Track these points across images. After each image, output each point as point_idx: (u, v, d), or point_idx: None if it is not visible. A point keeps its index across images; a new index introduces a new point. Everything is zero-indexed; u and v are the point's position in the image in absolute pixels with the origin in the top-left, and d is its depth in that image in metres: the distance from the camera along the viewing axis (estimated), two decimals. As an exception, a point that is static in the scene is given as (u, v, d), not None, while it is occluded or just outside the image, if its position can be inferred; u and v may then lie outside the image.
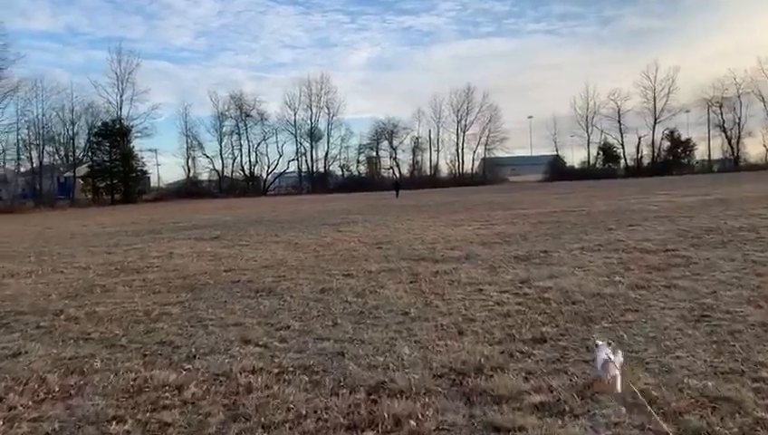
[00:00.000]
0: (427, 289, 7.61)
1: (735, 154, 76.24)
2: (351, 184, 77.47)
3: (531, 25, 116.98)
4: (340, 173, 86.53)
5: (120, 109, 66.98)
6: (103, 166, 66.28)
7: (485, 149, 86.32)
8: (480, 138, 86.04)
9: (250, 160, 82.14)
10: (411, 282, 8.28)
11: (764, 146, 76.45)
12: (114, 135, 65.64)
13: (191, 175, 78.83)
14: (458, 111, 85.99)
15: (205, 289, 8.55)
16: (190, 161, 78.63)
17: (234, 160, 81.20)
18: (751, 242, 10.06)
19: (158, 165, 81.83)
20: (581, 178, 71.81)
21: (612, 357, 3.82)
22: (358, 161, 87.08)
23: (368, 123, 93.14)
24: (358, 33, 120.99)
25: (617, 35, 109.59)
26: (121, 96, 66.64)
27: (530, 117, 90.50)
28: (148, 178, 75.25)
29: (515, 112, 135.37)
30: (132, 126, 67.88)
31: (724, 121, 76.56)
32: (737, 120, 75.96)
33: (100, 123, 67.18)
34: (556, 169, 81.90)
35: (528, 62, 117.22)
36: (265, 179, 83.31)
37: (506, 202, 28.85)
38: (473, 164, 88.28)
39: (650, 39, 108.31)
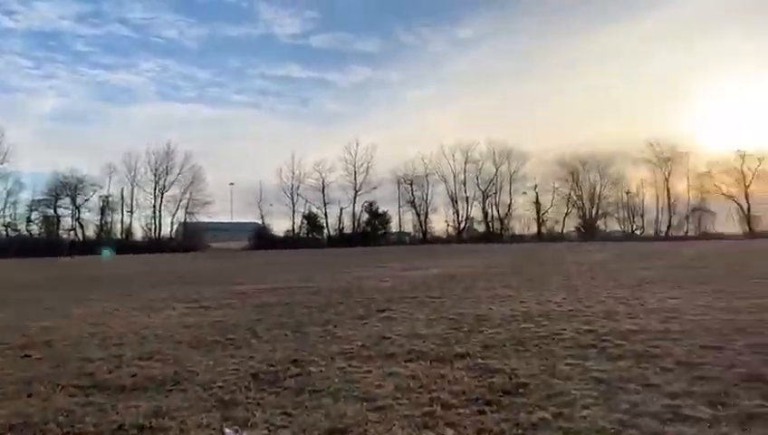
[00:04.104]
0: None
1: (424, 228, 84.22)
2: (19, 246, 63.74)
3: (234, 96, 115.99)
4: (4, 233, 71.23)
5: None
6: None
7: (186, 212, 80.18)
8: (180, 200, 79.76)
9: None
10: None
11: (446, 222, 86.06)
12: None
13: None
14: (157, 170, 78.57)
15: None
16: None
17: None
18: (558, 342, 7.96)
19: None
20: (286, 247, 70.91)
21: None
22: (29, 220, 72.95)
23: (49, 178, 78.43)
24: (43, 81, 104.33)
25: (317, 114, 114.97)
26: None
27: (231, 183, 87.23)
28: None
29: (219, 179, 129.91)
30: None
31: (414, 198, 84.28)
32: (425, 198, 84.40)
33: None
34: (261, 237, 79.76)
35: (233, 130, 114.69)
36: None
37: (216, 273, 24.76)
38: (171, 228, 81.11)
39: (347, 120, 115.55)
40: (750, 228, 70.80)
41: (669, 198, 76.38)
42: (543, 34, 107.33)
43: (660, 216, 77.13)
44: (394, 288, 15.81)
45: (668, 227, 75.98)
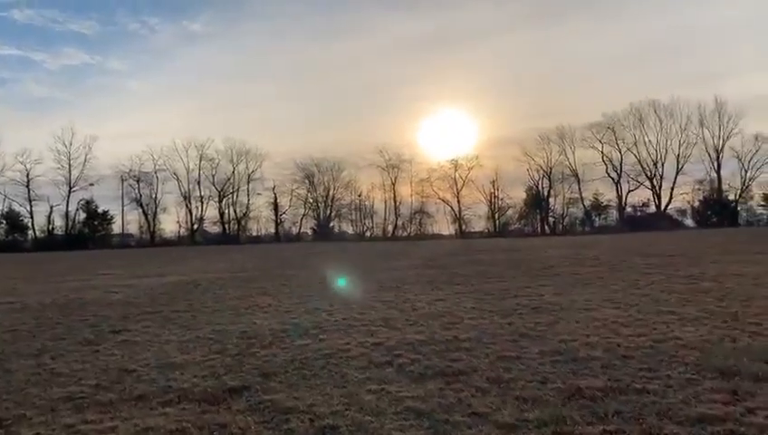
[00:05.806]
0: None
1: (152, 229, 77.19)
2: None
3: None
4: None
5: None
6: None
7: None
8: None
9: None
10: None
11: (178, 222, 79.98)
12: None
13: None
14: None
15: None
16: None
17: None
18: (348, 362, 6.84)
19: None
20: (-22, 251, 59.31)
21: None
22: None
23: None
24: None
25: (20, 98, 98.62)
26: None
27: None
28: None
29: None
30: None
31: (141, 196, 76.79)
32: (153, 196, 77.46)
33: None
34: (-58, 240, 65.49)
35: None
36: None
37: None
38: None
39: (60, 107, 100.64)
40: (460, 229, 79.93)
41: (396, 201, 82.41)
42: (278, 37, 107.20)
43: (387, 217, 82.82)
44: (128, 301, 13.24)
45: (395, 228, 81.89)
